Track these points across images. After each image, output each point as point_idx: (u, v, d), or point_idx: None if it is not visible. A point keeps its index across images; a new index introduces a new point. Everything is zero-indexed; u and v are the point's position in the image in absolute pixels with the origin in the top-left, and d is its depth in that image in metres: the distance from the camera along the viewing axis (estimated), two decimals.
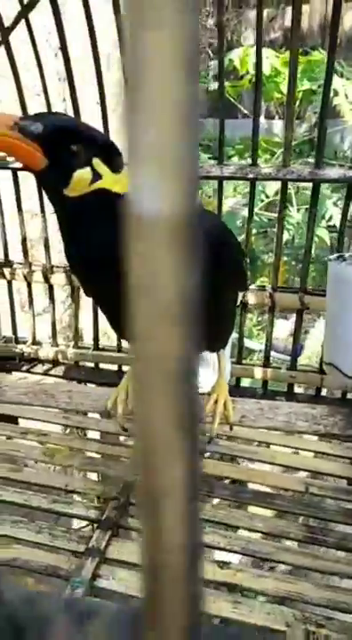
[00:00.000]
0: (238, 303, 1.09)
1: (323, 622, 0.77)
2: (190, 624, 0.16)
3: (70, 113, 1.54)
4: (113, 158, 0.68)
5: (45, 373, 1.35)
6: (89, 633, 0.19)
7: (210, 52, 3.73)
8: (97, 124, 1.15)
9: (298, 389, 1.28)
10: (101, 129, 1.12)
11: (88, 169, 0.66)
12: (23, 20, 1.08)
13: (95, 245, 0.68)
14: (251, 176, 1.09)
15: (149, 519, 0.15)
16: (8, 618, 0.20)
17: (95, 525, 0.92)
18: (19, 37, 1.13)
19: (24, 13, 1.07)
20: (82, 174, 0.66)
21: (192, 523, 0.15)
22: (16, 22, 1.10)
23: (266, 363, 1.23)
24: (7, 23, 1.09)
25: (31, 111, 1.22)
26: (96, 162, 0.66)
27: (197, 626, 0.16)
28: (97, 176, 0.67)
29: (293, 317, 2.66)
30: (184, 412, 0.13)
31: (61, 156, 0.64)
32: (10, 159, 1.24)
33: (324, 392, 1.23)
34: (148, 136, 0.12)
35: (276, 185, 2.71)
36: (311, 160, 1.10)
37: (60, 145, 0.64)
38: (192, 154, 0.12)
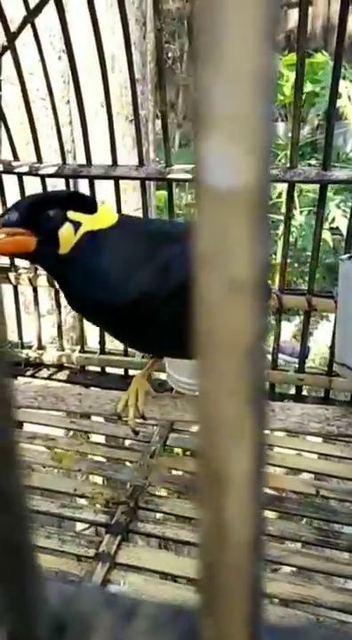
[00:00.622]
0: None
1: (337, 626, 0.76)
2: (252, 618, 0.15)
3: (75, 115, 1.54)
4: (82, 204, 0.75)
5: (50, 378, 1.34)
6: (132, 630, 0.18)
7: None
8: (101, 127, 1.15)
9: (306, 392, 1.27)
10: (107, 131, 1.11)
11: (67, 224, 0.73)
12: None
13: (103, 283, 0.73)
14: None
15: (209, 508, 0.14)
16: (50, 616, 0.19)
17: (104, 530, 0.91)
18: (22, 40, 1.13)
19: (30, 18, 1.07)
20: (65, 230, 0.73)
21: (257, 512, 0.14)
22: (22, 27, 1.09)
23: (273, 365, 1.23)
24: (12, 26, 1.09)
25: (36, 114, 1.22)
26: (70, 213, 0.73)
27: (259, 619, 0.15)
28: (77, 225, 0.73)
29: (296, 320, 2.66)
30: (252, 386, 0.12)
31: (44, 225, 0.72)
32: (15, 164, 1.23)
33: (332, 395, 1.22)
34: (222, 106, 0.11)
35: (280, 187, 2.71)
36: (313, 162, 1.09)
37: (39, 217, 0.72)
38: (267, 125, 0.12)
